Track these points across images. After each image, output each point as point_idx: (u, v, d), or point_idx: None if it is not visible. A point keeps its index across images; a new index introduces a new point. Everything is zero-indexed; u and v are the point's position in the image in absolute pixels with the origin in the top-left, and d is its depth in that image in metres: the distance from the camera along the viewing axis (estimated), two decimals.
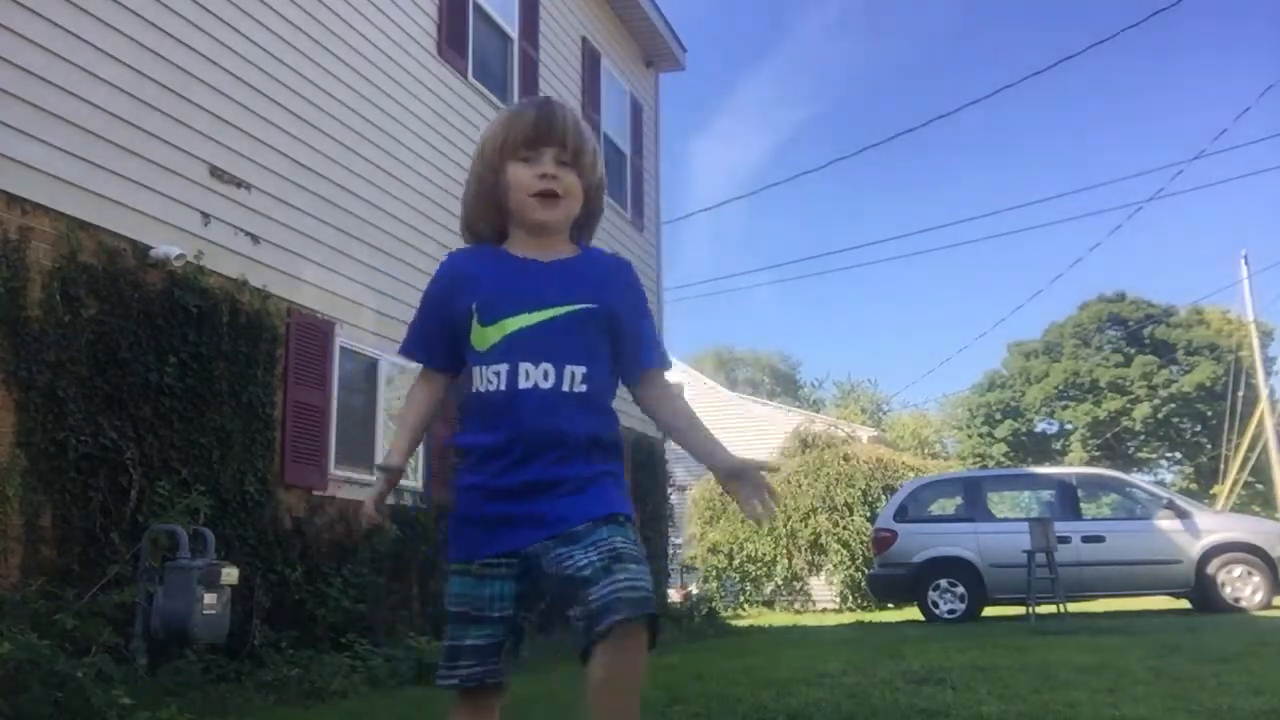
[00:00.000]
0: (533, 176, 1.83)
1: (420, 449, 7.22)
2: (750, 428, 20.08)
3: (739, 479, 1.80)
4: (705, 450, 1.85)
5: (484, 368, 1.80)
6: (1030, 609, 9.94)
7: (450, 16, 8.16)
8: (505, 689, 1.87)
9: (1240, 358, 27.89)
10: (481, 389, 1.81)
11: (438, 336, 1.90)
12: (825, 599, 17.97)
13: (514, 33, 9.18)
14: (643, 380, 1.90)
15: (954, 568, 11.31)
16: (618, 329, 1.85)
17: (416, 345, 1.94)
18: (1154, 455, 39.13)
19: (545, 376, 1.77)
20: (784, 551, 18.21)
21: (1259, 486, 29.67)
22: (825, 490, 18.29)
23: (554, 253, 1.88)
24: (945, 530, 11.70)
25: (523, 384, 1.77)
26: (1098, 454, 36.29)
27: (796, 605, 18.01)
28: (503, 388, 1.78)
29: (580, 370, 1.78)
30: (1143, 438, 38.13)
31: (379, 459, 6.78)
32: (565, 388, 1.77)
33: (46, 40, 4.69)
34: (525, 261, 1.86)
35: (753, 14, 77.95)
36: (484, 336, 1.81)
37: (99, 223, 4.88)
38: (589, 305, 1.82)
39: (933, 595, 11.32)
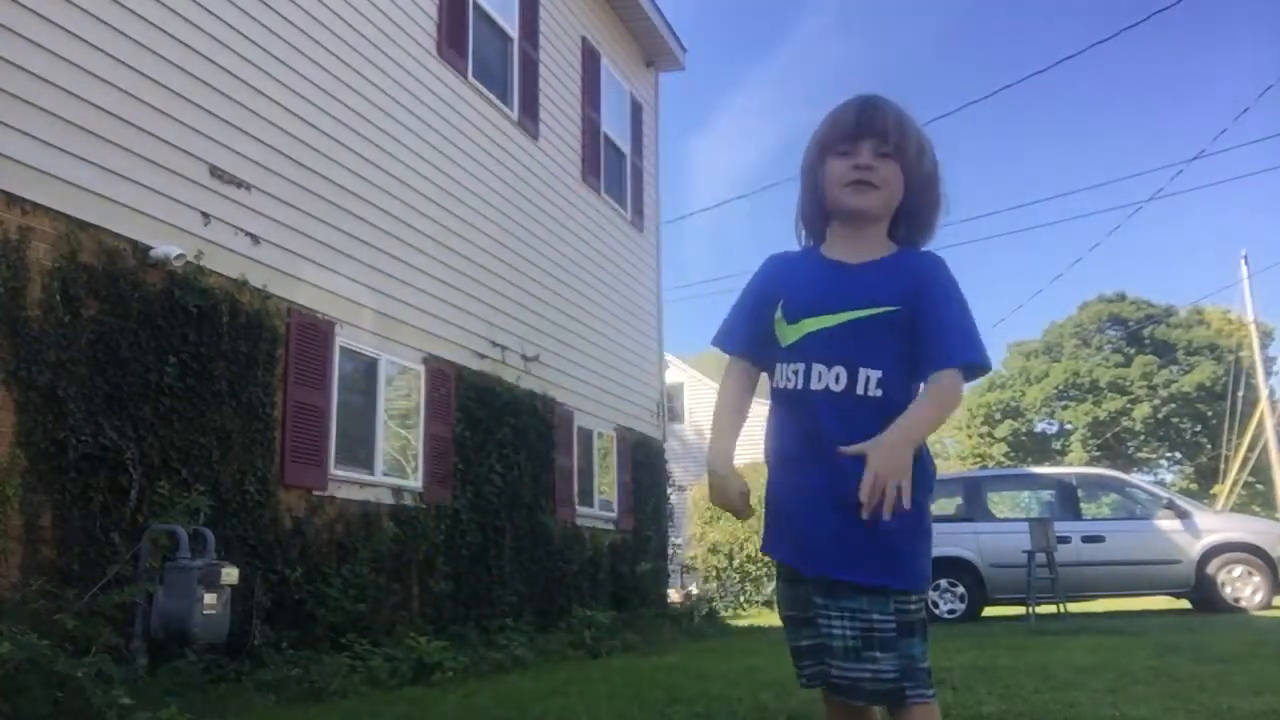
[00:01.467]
0: (848, 167, 1.85)
1: (420, 449, 7.22)
2: (755, 425, 20.02)
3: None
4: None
5: (784, 365, 1.84)
6: (1030, 609, 9.93)
7: (450, 16, 8.16)
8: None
9: (1240, 358, 27.90)
10: (781, 385, 1.85)
11: (745, 327, 1.94)
12: None
13: (514, 32, 9.18)
14: (932, 377, 1.78)
15: (954, 568, 11.29)
16: (917, 329, 1.78)
17: (724, 337, 1.98)
18: (1154, 455, 39.13)
19: (837, 379, 1.77)
20: None
21: (1259, 486, 29.67)
22: None
23: (866, 253, 1.86)
24: (945, 530, 11.66)
25: (815, 385, 1.79)
26: (1098, 454, 36.30)
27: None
28: (798, 386, 1.80)
29: (875, 374, 1.76)
30: (1143, 438, 38.13)
31: (379, 459, 6.79)
32: (859, 391, 1.76)
33: (46, 40, 4.69)
34: (833, 264, 1.87)
35: (753, 14, 77.93)
36: (786, 334, 1.85)
37: (99, 223, 4.88)
38: (891, 308, 1.78)
39: (933, 595, 11.31)
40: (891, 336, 1.78)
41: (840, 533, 1.71)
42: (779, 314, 1.86)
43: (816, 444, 1.76)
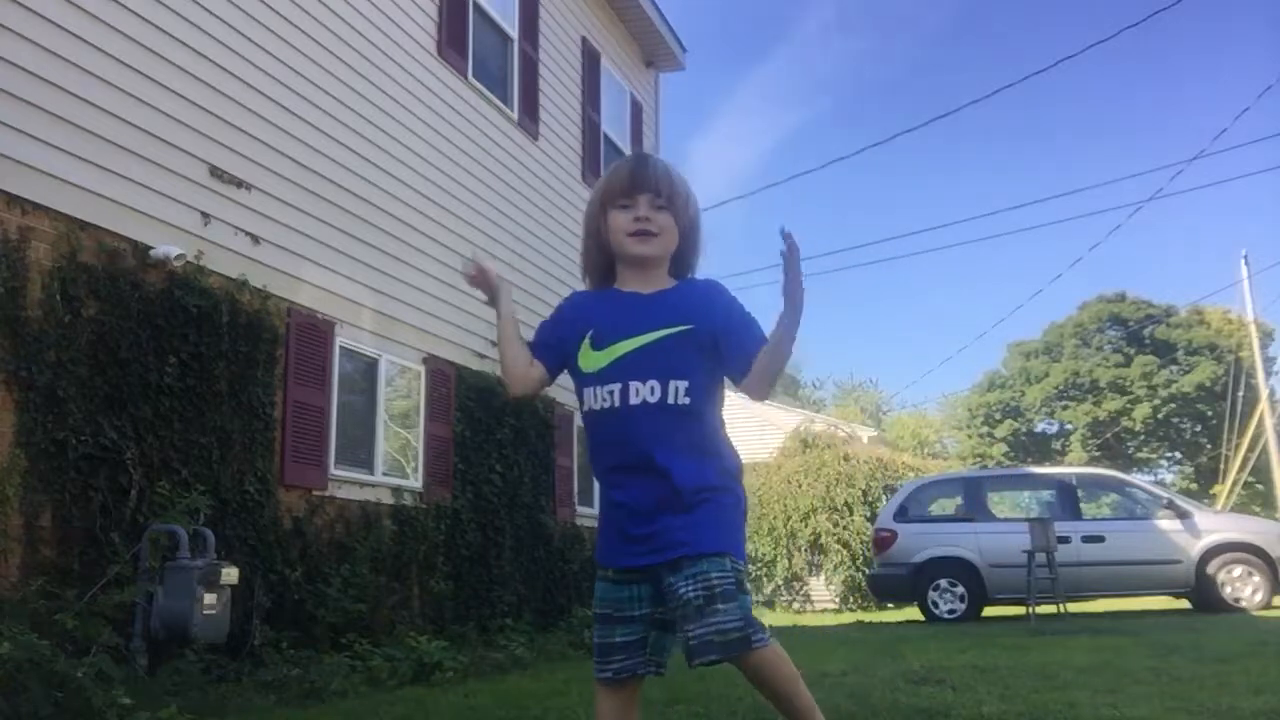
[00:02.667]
0: (630, 219, 2.11)
1: (419, 449, 7.22)
2: (751, 427, 20.07)
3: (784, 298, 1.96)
4: (777, 332, 1.99)
5: (597, 388, 2.06)
6: (1030, 609, 9.93)
7: (450, 16, 8.16)
8: (657, 674, 2.09)
9: (1240, 358, 27.91)
10: (597, 407, 2.06)
11: (551, 343, 2.18)
12: (825, 599, 17.97)
13: (514, 33, 9.18)
14: (757, 362, 2.03)
15: (954, 568, 11.30)
16: (719, 342, 2.05)
17: (538, 353, 2.20)
18: (1154, 455, 39.13)
19: (653, 392, 2.01)
20: (784, 551, 18.22)
21: (1259, 486, 29.66)
22: (825, 490, 18.29)
23: (656, 286, 2.14)
24: (945, 530, 11.69)
25: (633, 400, 2.01)
26: (1098, 454, 36.30)
27: (796, 605, 18.01)
28: (616, 404, 2.02)
29: (683, 384, 2.02)
30: (1143, 438, 38.13)
31: (379, 459, 6.79)
32: (671, 400, 2.01)
33: (46, 40, 4.69)
34: (632, 294, 2.13)
35: (753, 14, 77.98)
36: (596, 360, 2.07)
37: (99, 223, 4.88)
38: (689, 326, 2.05)
39: (933, 595, 11.32)
40: (692, 351, 2.04)
41: (673, 523, 1.96)
42: (586, 344, 2.10)
43: (637, 453, 2.00)
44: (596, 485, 2.20)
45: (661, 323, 2.05)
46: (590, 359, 2.08)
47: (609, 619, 2.05)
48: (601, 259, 2.19)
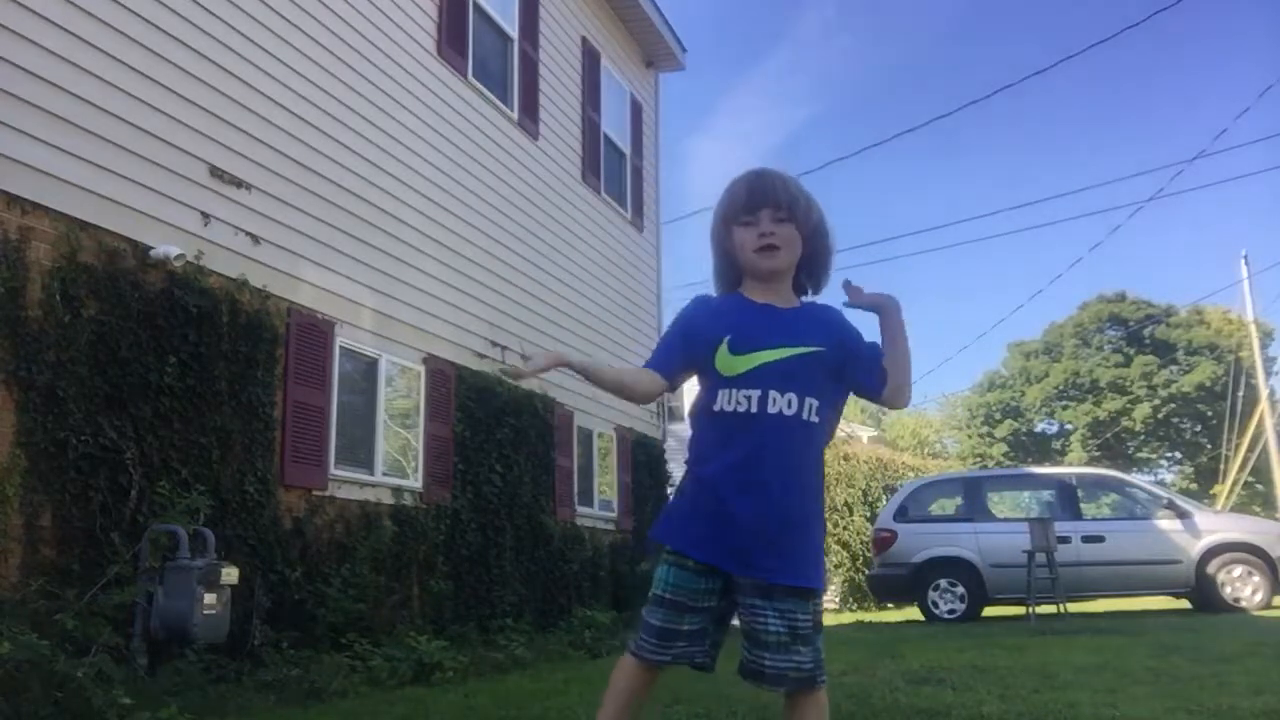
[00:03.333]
0: (754, 235, 2.17)
1: (419, 449, 7.22)
2: None
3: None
4: (886, 336, 2.15)
5: (734, 390, 2.09)
6: (1030, 609, 9.93)
7: (450, 16, 8.16)
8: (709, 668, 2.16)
9: (1240, 358, 27.91)
10: (730, 409, 2.09)
11: (682, 358, 2.20)
12: (825, 599, 17.96)
13: (514, 33, 9.18)
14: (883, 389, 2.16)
15: (954, 568, 11.30)
16: (846, 367, 2.14)
17: (661, 363, 2.22)
18: (1154, 455, 39.14)
19: (789, 405, 2.07)
20: None
21: (1259, 486, 29.68)
22: (825, 490, 18.27)
23: (786, 301, 2.21)
24: (945, 530, 11.69)
25: (770, 409, 2.06)
26: (1098, 454, 36.31)
27: None
28: (754, 410, 2.06)
29: (815, 403, 2.09)
30: (1143, 438, 38.13)
31: (379, 459, 6.79)
32: (804, 416, 2.08)
33: (47, 40, 4.69)
34: (767, 307, 2.19)
35: (753, 14, 77.94)
36: (735, 364, 2.11)
37: (99, 223, 4.88)
38: (821, 349, 2.12)
39: (933, 595, 11.32)
40: (822, 373, 2.11)
41: (779, 544, 2.03)
42: (723, 348, 2.12)
43: (762, 461, 2.05)
44: (683, 472, 2.23)
45: (801, 339, 2.11)
46: (728, 363, 2.11)
47: (680, 606, 2.07)
48: (732, 272, 2.25)
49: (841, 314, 2.22)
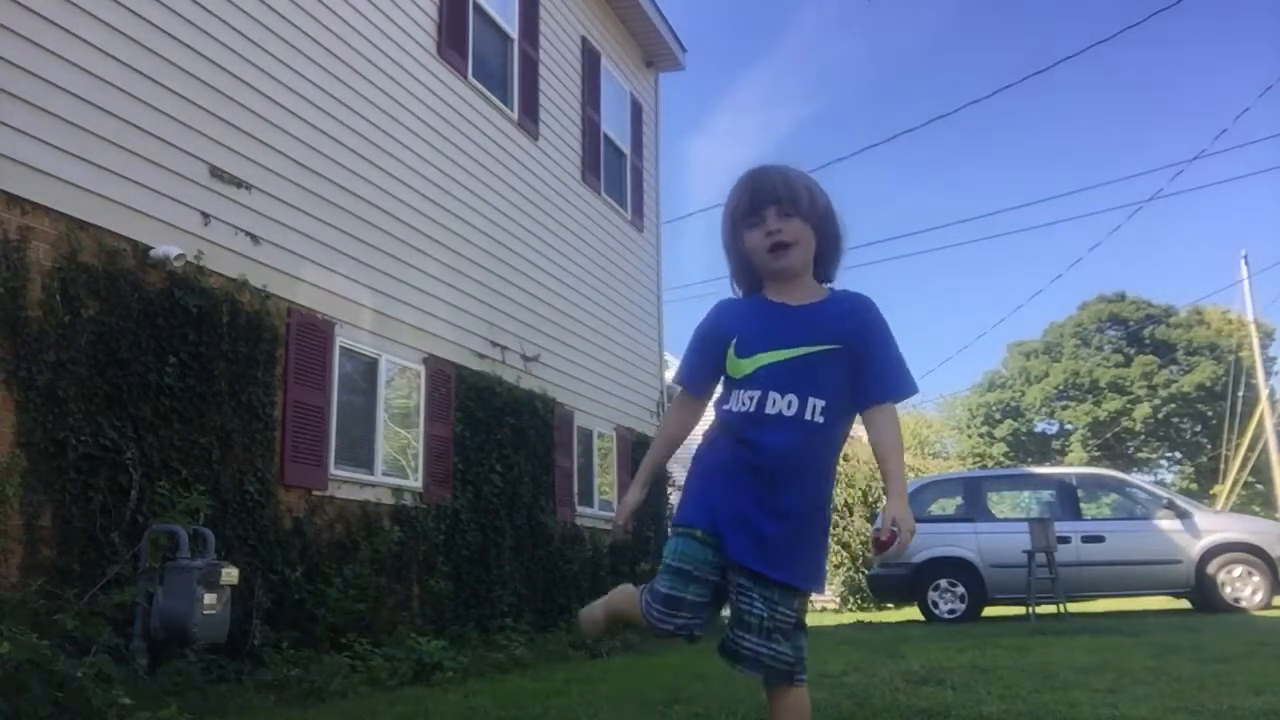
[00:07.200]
0: (762, 235, 2.16)
1: (419, 449, 7.23)
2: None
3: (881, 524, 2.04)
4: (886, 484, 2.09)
5: (740, 391, 2.13)
6: (1030, 609, 9.94)
7: (450, 16, 8.16)
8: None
9: (1240, 358, 27.91)
10: (735, 409, 2.13)
11: (698, 367, 2.26)
12: (825, 599, 17.97)
13: (514, 33, 9.18)
14: (871, 410, 2.12)
15: (954, 568, 11.31)
16: (859, 369, 2.11)
17: (685, 377, 2.31)
18: (1154, 455, 39.15)
19: (790, 406, 2.07)
20: None
21: (1259, 486, 29.69)
22: None
23: (806, 297, 2.18)
24: (945, 530, 11.69)
25: (769, 410, 2.07)
26: (1098, 454, 36.31)
27: None
28: (752, 410, 2.09)
29: (820, 403, 2.07)
30: (1143, 438, 38.14)
31: (379, 459, 6.79)
32: (807, 417, 2.06)
33: (47, 40, 4.69)
34: (780, 305, 2.18)
35: (752, 13, 77.90)
36: (741, 367, 2.13)
37: (99, 223, 4.88)
38: (835, 346, 2.10)
39: (933, 595, 11.33)
40: (834, 370, 2.09)
41: (774, 538, 2.05)
42: (731, 351, 2.16)
43: (760, 460, 2.07)
44: (693, 452, 2.28)
45: (808, 338, 2.10)
46: (736, 366, 2.15)
47: (688, 575, 2.12)
48: (749, 274, 2.25)
49: (868, 307, 2.18)
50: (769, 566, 2.04)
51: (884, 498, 2.12)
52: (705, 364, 2.24)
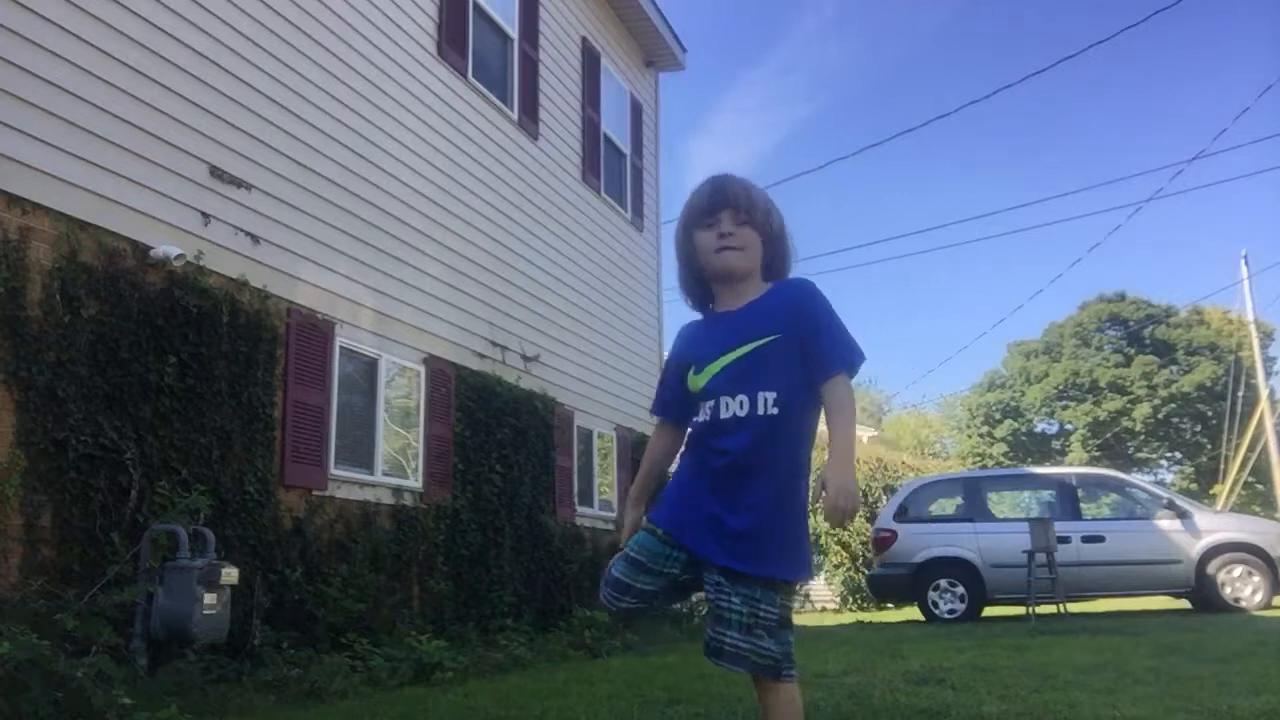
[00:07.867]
0: (714, 236, 2.23)
1: (420, 449, 7.23)
2: None
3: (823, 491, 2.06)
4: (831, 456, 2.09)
5: (701, 403, 2.21)
6: (1030, 609, 9.93)
7: (450, 16, 8.16)
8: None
9: (1240, 358, 27.92)
10: (699, 419, 2.21)
11: (670, 397, 2.35)
12: (825, 599, 17.97)
13: (514, 33, 9.18)
14: (825, 386, 2.14)
15: (954, 568, 11.30)
16: (806, 345, 2.14)
17: (659, 408, 2.42)
18: (1154, 455, 39.13)
19: (741, 406, 2.12)
20: None
21: (1259, 486, 29.69)
22: None
23: (747, 299, 2.23)
24: (945, 530, 11.69)
25: (724, 414, 2.14)
26: (1098, 454, 36.31)
27: (796, 605, 17.99)
28: (709, 419, 2.17)
29: (771, 395, 2.11)
30: (1143, 438, 38.12)
31: (379, 459, 6.79)
32: (760, 412, 2.11)
33: (47, 40, 4.69)
34: (722, 314, 2.26)
35: (752, 14, 77.89)
36: (697, 383, 2.22)
37: (99, 223, 4.88)
38: (774, 336, 2.15)
39: (933, 595, 11.32)
40: (782, 359, 2.13)
41: (743, 533, 2.08)
42: (690, 374, 2.25)
43: (721, 461, 2.12)
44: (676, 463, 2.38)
45: (748, 335, 2.16)
46: (694, 383, 2.23)
47: (640, 565, 2.21)
48: (696, 284, 2.32)
49: (803, 288, 2.22)
50: (740, 561, 2.07)
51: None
52: (672, 392, 2.34)
